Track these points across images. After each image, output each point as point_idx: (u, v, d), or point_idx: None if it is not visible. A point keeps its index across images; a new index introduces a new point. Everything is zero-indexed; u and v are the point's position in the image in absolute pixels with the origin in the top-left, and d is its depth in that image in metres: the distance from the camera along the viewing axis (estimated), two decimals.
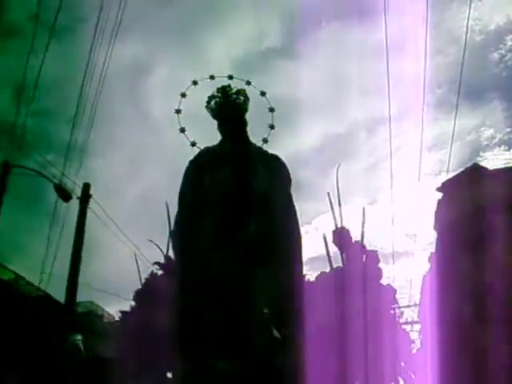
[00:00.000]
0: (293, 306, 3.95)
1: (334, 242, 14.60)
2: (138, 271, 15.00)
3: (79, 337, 10.25)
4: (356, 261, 14.12)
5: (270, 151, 4.68)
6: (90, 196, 13.83)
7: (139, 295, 14.59)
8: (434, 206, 16.48)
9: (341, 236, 14.14)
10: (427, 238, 17.37)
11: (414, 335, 21.08)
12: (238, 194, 4.22)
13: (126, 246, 15.61)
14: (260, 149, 4.64)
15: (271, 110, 4.77)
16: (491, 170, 14.81)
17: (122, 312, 16.17)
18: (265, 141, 4.72)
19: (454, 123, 12.45)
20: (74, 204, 14.02)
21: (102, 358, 13.84)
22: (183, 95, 4.71)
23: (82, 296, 17.15)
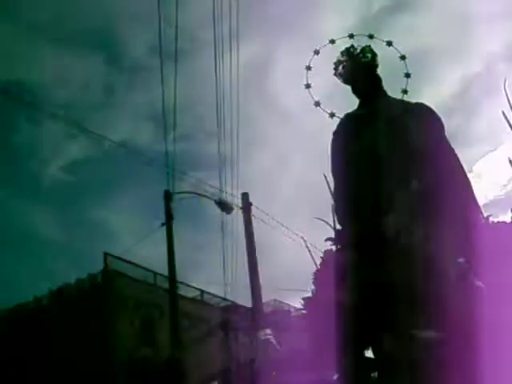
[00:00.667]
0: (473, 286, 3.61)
1: None
2: (311, 256, 15.02)
3: (268, 331, 10.49)
4: None
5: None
6: (250, 204, 14.52)
7: (318, 276, 14.63)
8: None
9: None
10: None
11: None
12: (392, 152, 3.96)
13: (293, 238, 15.79)
14: (402, 101, 4.35)
15: (402, 57, 4.47)
16: None
17: (304, 299, 16.36)
18: (404, 92, 4.44)
19: None
20: (237, 214, 14.62)
21: (296, 350, 14.06)
22: (308, 68, 4.55)
23: (265, 296, 17.68)
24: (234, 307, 16.88)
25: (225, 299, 17.26)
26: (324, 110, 4.48)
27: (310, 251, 14.54)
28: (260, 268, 14.78)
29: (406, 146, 4.00)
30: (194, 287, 19.02)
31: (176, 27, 10.74)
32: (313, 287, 14.85)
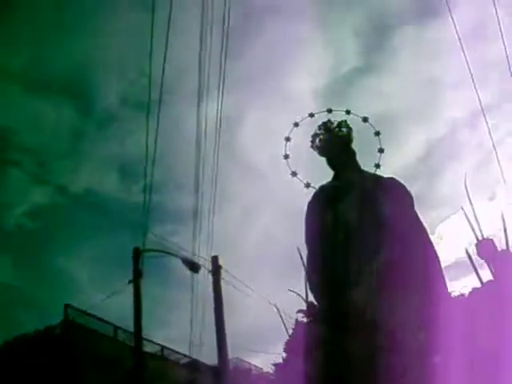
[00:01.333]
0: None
1: (479, 255, 14.41)
2: (283, 322, 15.25)
3: None
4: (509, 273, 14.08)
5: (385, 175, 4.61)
6: (220, 267, 14.68)
7: (289, 345, 14.96)
8: None
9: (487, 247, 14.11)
10: None
11: None
12: (364, 226, 4.14)
13: (260, 302, 16.00)
14: (374, 175, 4.57)
15: (377, 133, 4.71)
16: None
17: (275, 364, 16.47)
18: (377, 166, 4.66)
19: None
20: (207, 275, 14.73)
21: None
22: (288, 139, 4.75)
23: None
24: (196, 364, 16.64)
25: (185, 356, 16.99)
26: (300, 180, 4.67)
27: (282, 319, 14.75)
28: (226, 325, 14.84)
29: (377, 220, 4.18)
30: (154, 342, 18.66)
31: (149, 78, 10.81)
32: (284, 355, 15.08)
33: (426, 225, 4.30)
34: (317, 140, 4.65)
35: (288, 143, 4.73)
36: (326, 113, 4.74)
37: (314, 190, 4.62)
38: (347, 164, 4.56)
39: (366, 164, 4.69)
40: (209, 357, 17.69)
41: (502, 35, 9.62)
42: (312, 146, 4.67)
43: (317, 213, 4.38)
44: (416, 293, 3.96)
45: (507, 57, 10.18)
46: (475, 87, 11.89)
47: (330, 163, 4.60)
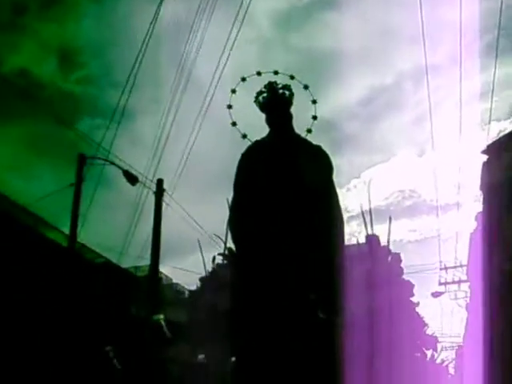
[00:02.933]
0: (337, 287, 4.46)
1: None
2: (202, 257, 16.55)
3: (162, 316, 10.97)
4: (382, 262, 17.10)
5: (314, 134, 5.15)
6: (163, 190, 15.41)
7: (205, 282, 16.65)
8: (479, 166, 16.63)
9: (372, 241, 17.74)
10: (475, 189, 17.60)
11: (460, 294, 21.54)
12: (285, 184, 4.71)
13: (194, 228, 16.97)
14: (305, 140, 5.09)
15: (314, 102, 5.19)
16: None
17: (191, 291, 17.91)
18: (309, 131, 5.17)
19: (494, 73, 12.44)
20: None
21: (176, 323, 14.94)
22: (233, 91, 5.16)
23: (142, 261, 18.37)
24: (109, 265, 17.19)
25: (100, 256, 17.48)
26: (238, 130, 5.13)
27: (202, 253, 16.24)
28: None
29: (300, 181, 4.76)
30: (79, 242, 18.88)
31: None
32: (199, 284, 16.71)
33: (339, 195, 4.92)
34: (260, 97, 5.11)
35: (233, 95, 5.15)
36: (272, 73, 5.17)
37: (248, 143, 5.11)
38: (283, 125, 5.06)
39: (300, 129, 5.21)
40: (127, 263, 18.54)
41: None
42: (255, 101, 5.13)
43: (248, 165, 4.90)
44: (319, 251, 4.60)
45: (460, 22, 10.77)
46: (424, 45, 12.51)
47: (268, 121, 5.08)
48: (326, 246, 4.61)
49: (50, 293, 13.17)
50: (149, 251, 15.70)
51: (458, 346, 31.41)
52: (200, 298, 17.42)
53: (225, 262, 16.84)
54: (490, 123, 15.98)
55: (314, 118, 5.20)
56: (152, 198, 15.78)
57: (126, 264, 18.28)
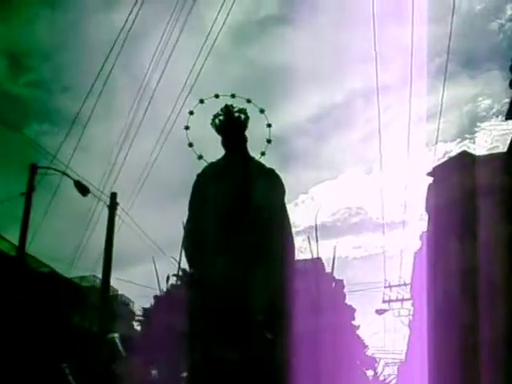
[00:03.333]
0: (284, 308, 4.62)
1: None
2: (157, 275, 16.69)
3: (116, 334, 10.89)
4: (326, 288, 17.16)
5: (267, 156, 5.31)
6: (117, 204, 15.49)
7: (160, 300, 16.83)
8: (425, 186, 17.18)
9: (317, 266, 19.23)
10: (421, 208, 18.19)
11: (404, 312, 22.14)
12: (237, 206, 4.84)
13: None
14: (259, 162, 5.24)
15: (269, 125, 5.35)
16: (479, 157, 15.45)
17: (145, 309, 17.92)
18: (262, 154, 5.33)
19: (442, 95, 12.91)
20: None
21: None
22: (191, 113, 5.29)
23: (86, 271, 18.22)
24: (53, 275, 16.94)
25: (46, 265, 17.21)
26: (194, 152, 5.25)
27: (156, 271, 16.56)
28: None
29: (251, 202, 4.91)
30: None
31: None
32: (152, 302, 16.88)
33: (289, 215, 5.08)
34: (217, 119, 5.24)
35: (190, 116, 5.28)
36: (229, 97, 5.32)
37: (204, 163, 5.23)
38: (238, 147, 5.21)
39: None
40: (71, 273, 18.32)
41: (412, 20, 10.55)
42: (212, 124, 5.26)
43: (202, 186, 5.02)
44: (270, 269, 4.75)
45: (412, 43, 11.14)
46: (376, 65, 12.89)
47: (224, 143, 5.22)
48: (277, 268, 4.77)
49: None
50: (97, 262, 15.61)
51: (400, 361, 32.18)
52: (154, 316, 17.46)
53: (178, 282, 16.95)
54: (436, 144, 16.56)
55: (269, 141, 5.36)
56: (101, 209, 15.76)
57: (72, 274, 18.09)
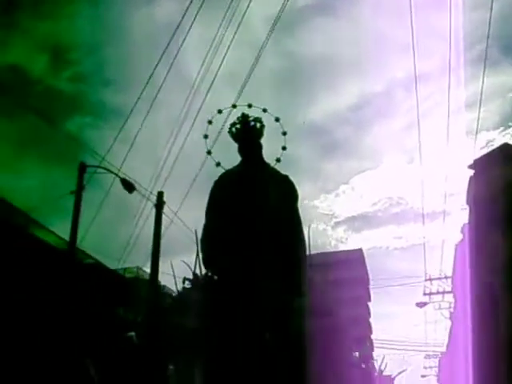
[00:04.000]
0: (300, 309, 4.87)
1: None
2: (174, 277, 17.06)
3: (133, 333, 11.26)
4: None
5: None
6: (164, 202, 15.98)
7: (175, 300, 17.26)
8: (466, 179, 16.99)
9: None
10: (462, 199, 17.92)
11: (444, 305, 21.96)
12: (253, 211, 5.08)
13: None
14: (273, 169, 5.46)
15: (284, 133, 5.55)
16: None
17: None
18: (278, 160, 5.54)
19: (482, 82, 12.71)
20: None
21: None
22: (210, 122, 5.55)
23: (128, 263, 18.86)
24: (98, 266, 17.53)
25: (91, 257, 17.82)
26: (213, 159, 5.51)
27: (173, 272, 16.96)
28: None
29: (266, 208, 5.13)
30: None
31: None
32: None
33: (301, 220, 5.28)
34: (233, 128, 5.48)
35: (209, 125, 5.54)
36: (246, 106, 5.55)
37: (222, 170, 5.48)
38: (253, 154, 5.43)
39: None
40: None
41: (450, 10, 10.45)
42: (229, 132, 5.50)
43: (219, 193, 5.28)
44: (284, 274, 4.98)
45: (450, 31, 11.03)
46: (414, 54, 12.76)
47: (240, 150, 5.46)
48: (290, 272, 5.00)
49: (44, 294, 13.53)
50: (133, 255, 16.02)
51: (441, 354, 31.92)
52: (170, 316, 18.08)
53: (189, 286, 17.36)
54: (477, 133, 16.34)
55: (284, 148, 5.56)
56: (144, 203, 16.22)
57: (113, 266, 18.66)
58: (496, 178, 15.44)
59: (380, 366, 37.55)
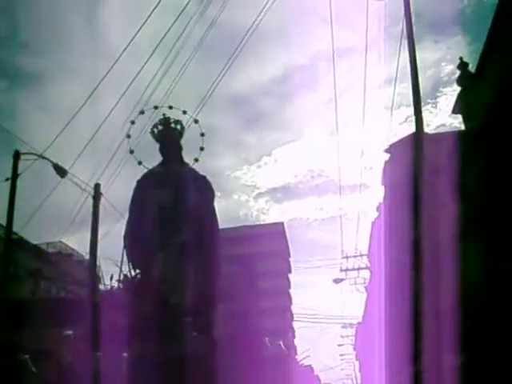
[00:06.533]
0: (213, 299, 5.37)
1: None
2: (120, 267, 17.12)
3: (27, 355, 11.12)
4: None
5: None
6: (100, 194, 16.18)
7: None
8: (382, 154, 17.87)
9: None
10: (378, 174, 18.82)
11: (359, 280, 23.16)
12: (173, 208, 5.52)
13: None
14: (192, 169, 5.90)
15: (202, 134, 5.98)
16: (431, 135, 16.13)
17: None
18: (196, 160, 5.97)
19: (398, 59, 13.25)
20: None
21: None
22: (132, 122, 5.89)
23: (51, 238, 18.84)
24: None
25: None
26: (135, 158, 5.88)
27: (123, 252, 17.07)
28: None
29: (184, 206, 5.59)
30: None
31: None
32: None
33: (218, 217, 5.79)
34: (155, 129, 5.86)
35: (132, 125, 5.88)
36: (167, 108, 5.93)
37: (144, 169, 5.88)
38: (173, 155, 5.86)
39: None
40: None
41: None
42: (151, 133, 5.89)
43: (141, 191, 5.69)
44: (200, 267, 5.47)
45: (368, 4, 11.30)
46: (332, 27, 13.02)
47: (161, 151, 5.86)
48: (206, 267, 5.51)
49: None
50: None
51: (358, 323, 33.74)
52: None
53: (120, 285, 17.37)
54: (393, 108, 17.11)
55: (201, 149, 6.00)
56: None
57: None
58: (409, 164, 16.34)
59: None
